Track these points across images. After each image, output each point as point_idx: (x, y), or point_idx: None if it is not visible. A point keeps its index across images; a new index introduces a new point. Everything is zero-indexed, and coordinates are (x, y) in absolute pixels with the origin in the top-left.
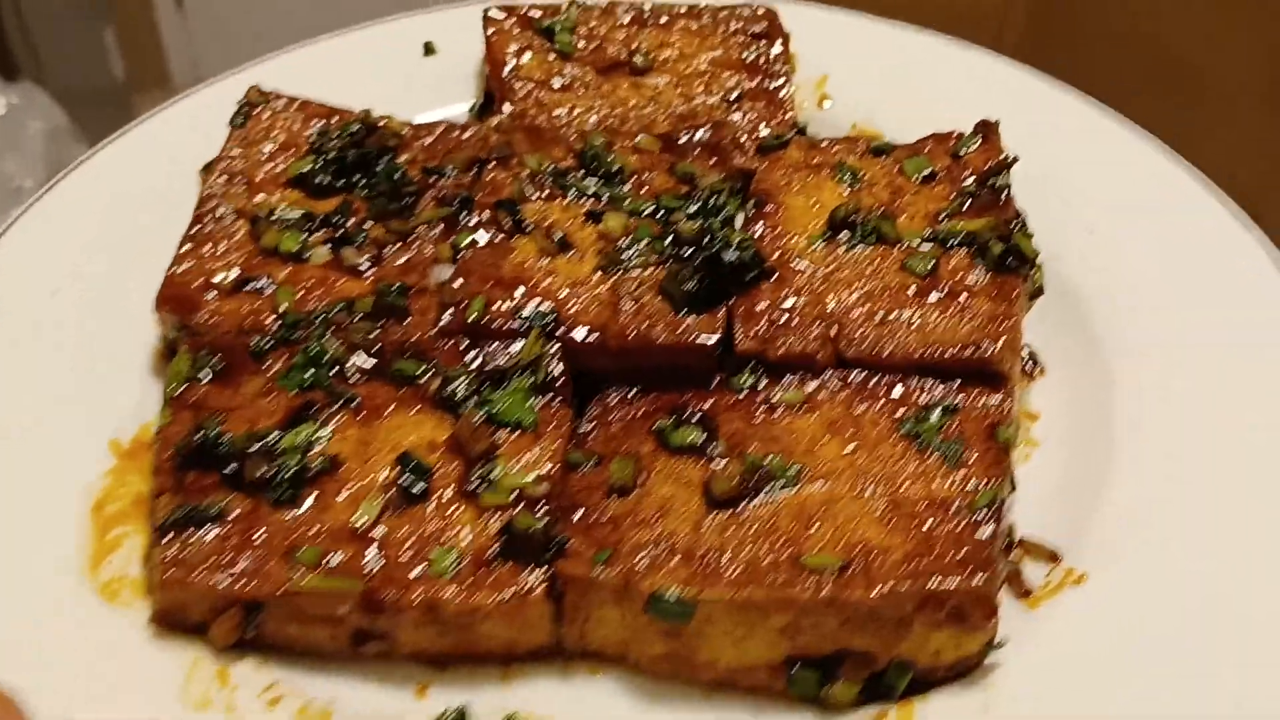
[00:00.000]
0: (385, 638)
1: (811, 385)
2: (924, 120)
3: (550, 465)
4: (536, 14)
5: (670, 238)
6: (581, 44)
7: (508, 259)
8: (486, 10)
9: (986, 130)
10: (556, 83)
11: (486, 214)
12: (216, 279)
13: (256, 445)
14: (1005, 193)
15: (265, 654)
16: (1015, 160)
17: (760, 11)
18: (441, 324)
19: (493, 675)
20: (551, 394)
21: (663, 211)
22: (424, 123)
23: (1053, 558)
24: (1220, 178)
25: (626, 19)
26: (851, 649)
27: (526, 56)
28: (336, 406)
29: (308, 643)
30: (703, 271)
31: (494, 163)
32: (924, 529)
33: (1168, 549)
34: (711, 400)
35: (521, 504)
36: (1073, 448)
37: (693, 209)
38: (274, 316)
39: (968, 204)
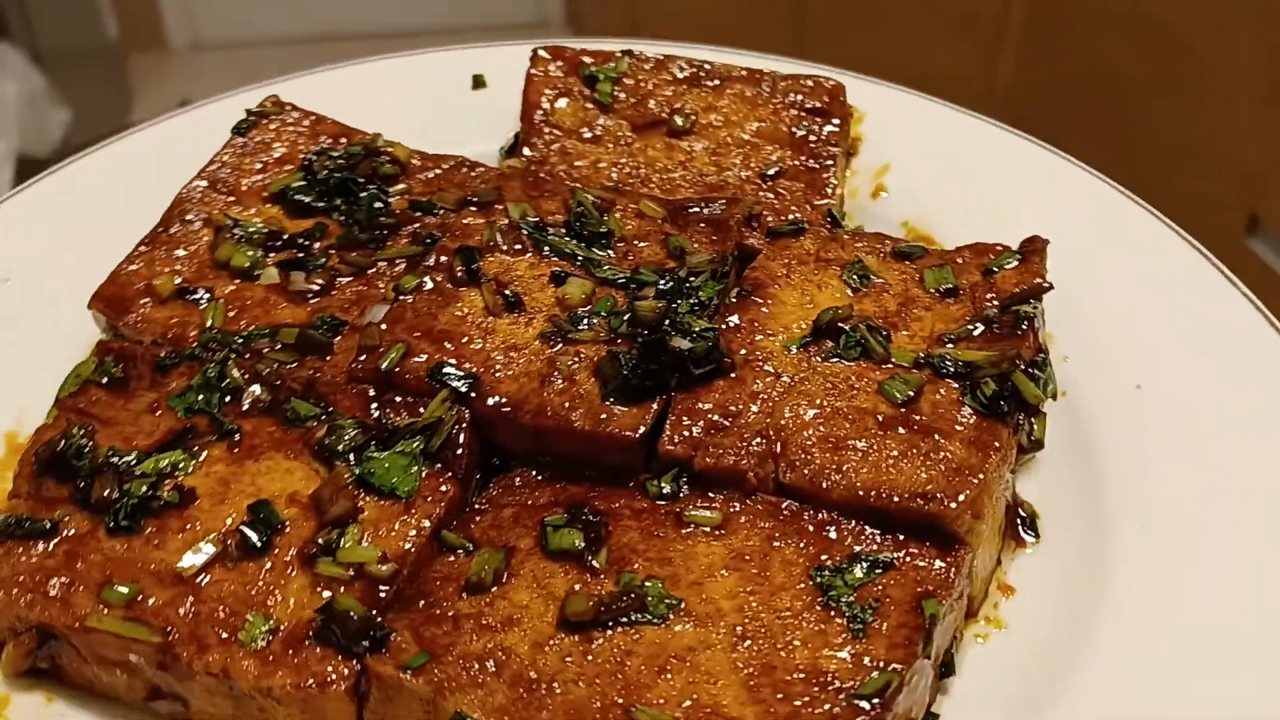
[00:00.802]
0: (178, 698)
1: (735, 506)
2: (981, 229)
3: (409, 543)
4: (587, 60)
5: (629, 315)
6: (623, 96)
7: (447, 310)
8: (536, 49)
9: (1032, 249)
10: (586, 133)
11: (443, 258)
12: (157, 283)
13: (116, 462)
14: (1030, 323)
15: (57, 691)
16: (1050, 288)
17: (829, 85)
18: (354, 368)
19: None
20: (442, 465)
21: (633, 284)
22: (438, 154)
23: None
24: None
25: (680, 75)
26: None
27: (562, 102)
28: (214, 437)
29: (102, 687)
30: (646, 357)
31: (474, 206)
32: (787, 704)
33: None
34: (619, 502)
35: (358, 582)
36: (1040, 642)
37: (665, 286)
38: (196, 335)
39: (980, 329)
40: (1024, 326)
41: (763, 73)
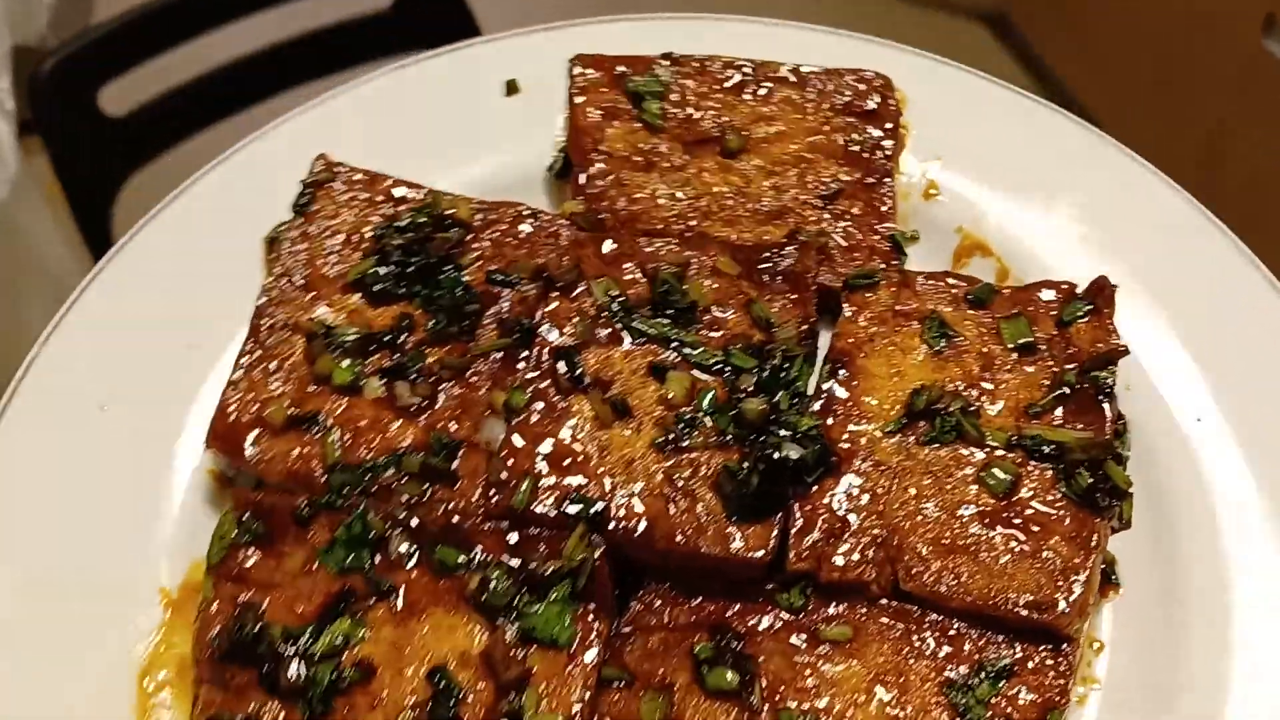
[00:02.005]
0: None
1: (861, 615)
2: (1040, 235)
3: (582, 695)
4: (624, 69)
5: (734, 414)
6: (671, 111)
7: (561, 426)
8: (571, 64)
9: (1101, 295)
10: (640, 159)
11: (545, 362)
12: (268, 413)
13: (293, 646)
14: (1109, 393)
15: None
16: (1125, 353)
17: (876, 83)
18: (485, 505)
19: None
20: (590, 601)
21: (730, 371)
22: (494, 202)
23: None
24: None
25: (726, 79)
26: None
27: (612, 128)
28: (374, 599)
29: None
30: (764, 473)
31: (558, 288)
32: None
33: None
34: (755, 618)
35: None
36: (1135, 695)
37: (764, 374)
38: (321, 470)
39: (1065, 394)
40: (1105, 395)
41: (808, 70)
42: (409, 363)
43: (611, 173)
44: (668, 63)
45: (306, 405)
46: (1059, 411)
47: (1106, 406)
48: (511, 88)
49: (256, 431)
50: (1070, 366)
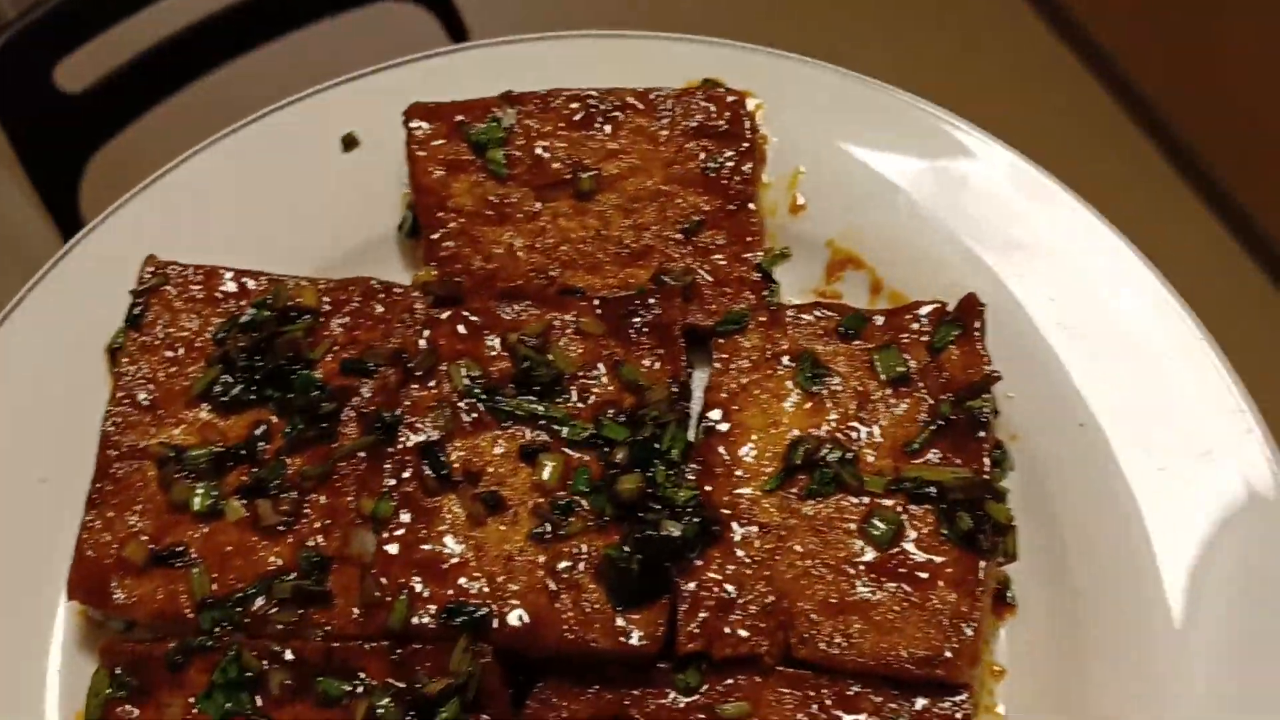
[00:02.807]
0: None
1: (758, 681)
2: (910, 238)
3: None
4: (463, 118)
5: (609, 492)
6: (517, 155)
7: (432, 531)
8: (406, 119)
9: (969, 315)
10: (490, 212)
11: (409, 466)
12: (127, 551)
13: None
14: (984, 422)
15: None
16: (997, 379)
17: (726, 100)
18: (362, 626)
19: None
20: (482, 713)
21: (603, 444)
22: (341, 281)
23: None
24: None
25: (571, 114)
26: None
27: (456, 182)
28: None
29: None
30: (646, 556)
31: (416, 375)
32: None
33: None
34: (654, 704)
35: None
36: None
37: (636, 449)
38: (191, 606)
39: (940, 426)
40: (980, 427)
41: (655, 94)
42: (268, 476)
43: (463, 231)
44: (507, 104)
45: (167, 538)
46: (936, 449)
47: (983, 436)
48: (349, 142)
49: (120, 575)
50: (944, 396)
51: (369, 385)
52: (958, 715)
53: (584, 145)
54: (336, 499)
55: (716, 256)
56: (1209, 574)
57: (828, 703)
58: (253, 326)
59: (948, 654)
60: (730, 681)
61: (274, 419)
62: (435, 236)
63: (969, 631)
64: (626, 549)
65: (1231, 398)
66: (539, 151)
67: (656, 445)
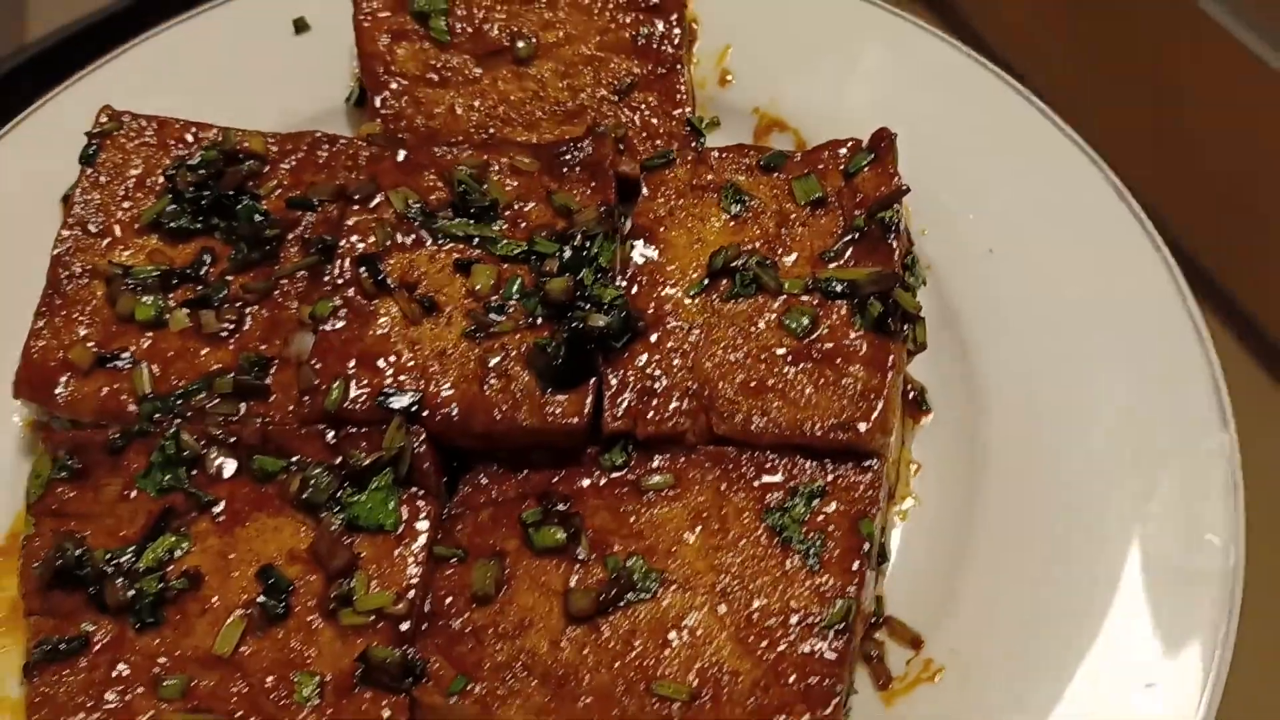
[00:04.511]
0: None
1: (680, 462)
2: (830, 102)
3: (413, 573)
4: None
5: (540, 294)
6: (459, 27)
7: (369, 330)
8: None
9: (881, 145)
10: (433, 76)
11: (348, 272)
12: (73, 354)
13: (116, 564)
14: (895, 228)
15: None
16: (907, 191)
17: None
18: (298, 411)
19: None
20: (414, 486)
21: (534, 256)
22: (289, 134)
23: (915, 643)
24: None
25: None
26: None
27: (401, 49)
28: (196, 512)
29: None
30: (573, 346)
31: (356, 202)
32: (774, 649)
33: (1016, 646)
34: (579, 482)
35: (381, 623)
36: (948, 508)
37: (566, 255)
38: (133, 403)
39: (854, 238)
40: (891, 232)
41: None
42: (212, 293)
43: (406, 92)
44: None
45: (112, 344)
46: (850, 255)
47: (893, 242)
48: (300, 25)
49: (65, 375)
50: (858, 213)
51: (312, 217)
52: (869, 479)
53: (522, 16)
54: (278, 311)
55: (647, 114)
56: (1099, 376)
57: (747, 473)
58: (201, 165)
59: (860, 423)
60: (655, 461)
61: (219, 246)
62: (380, 96)
63: (879, 403)
64: (554, 339)
65: (1130, 217)
66: (479, 22)
67: (585, 253)
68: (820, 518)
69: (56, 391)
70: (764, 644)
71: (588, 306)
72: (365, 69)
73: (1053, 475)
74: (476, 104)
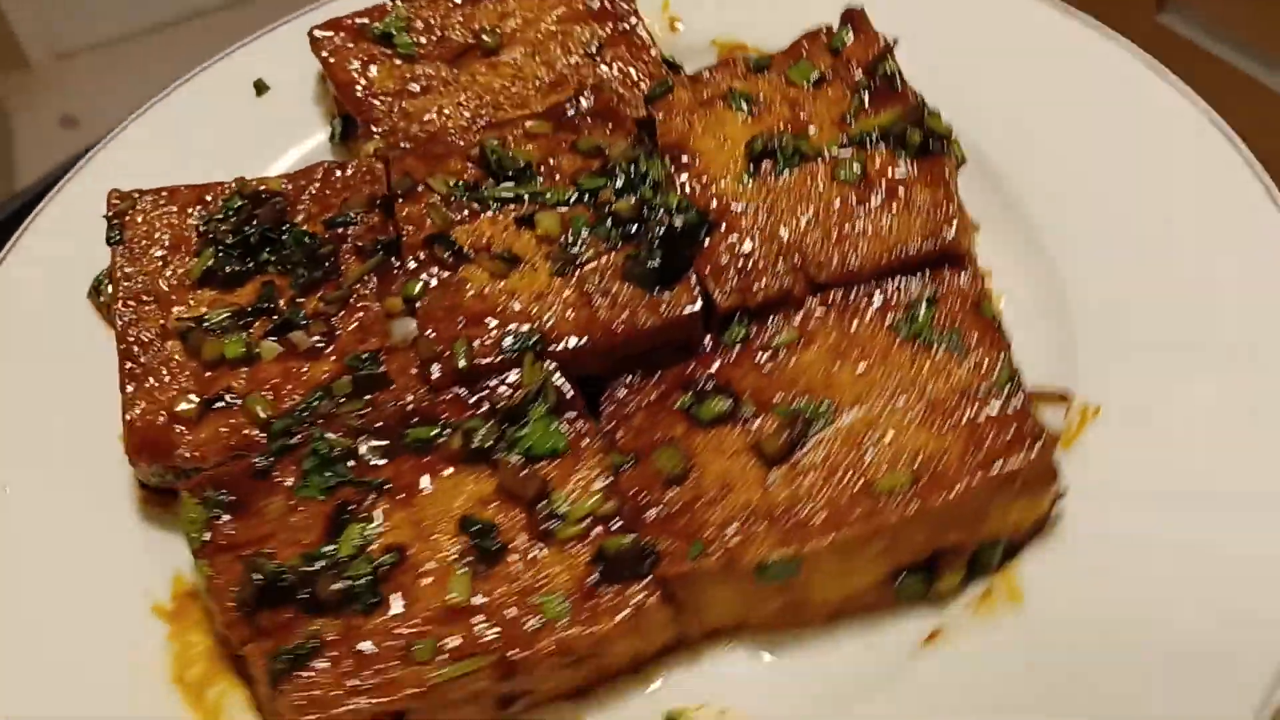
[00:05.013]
0: (528, 693)
1: (798, 318)
2: (779, 18)
3: (604, 479)
4: (364, 21)
5: (609, 220)
6: (422, 40)
7: (464, 293)
8: (311, 31)
9: (854, 19)
10: (414, 87)
11: (421, 254)
12: (179, 409)
13: (316, 565)
14: (898, 78)
15: None
16: (896, 42)
17: None
18: (433, 380)
19: (634, 684)
20: (569, 411)
21: (586, 195)
22: (300, 170)
23: (1062, 399)
24: None
25: None
26: (943, 547)
27: (373, 70)
28: (372, 497)
29: None
30: (661, 246)
31: (400, 198)
32: (965, 421)
33: (1155, 378)
34: (715, 363)
35: (596, 528)
36: (1029, 292)
37: (618, 184)
38: (258, 429)
39: (865, 96)
40: (896, 80)
41: None
42: (292, 315)
43: (394, 108)
44: (398, 3)
45: (212, 389)
46: (868, 109)
47: (901, 87)
48: (260, 87)
49: (179, 429)
50: (858, 76)
51: (355, 231)
52: (971, 272)
53: (478, 16)
54: (364, 314)
55: (623, 65)
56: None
57: (860, 305)
58: (230, 213)
59: (944, 229)
60: (771, 322)
61: (276, 279)
62: (371, 116)
63: (952, 208)
64: (642, 249)
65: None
66: (440, 29)
67: (633, 175)
68: (944, 316)
69: (178, 450)
70: (953, 421)
71: (660, 212)
72: (346, 99)
73: None
74: (464, 100)
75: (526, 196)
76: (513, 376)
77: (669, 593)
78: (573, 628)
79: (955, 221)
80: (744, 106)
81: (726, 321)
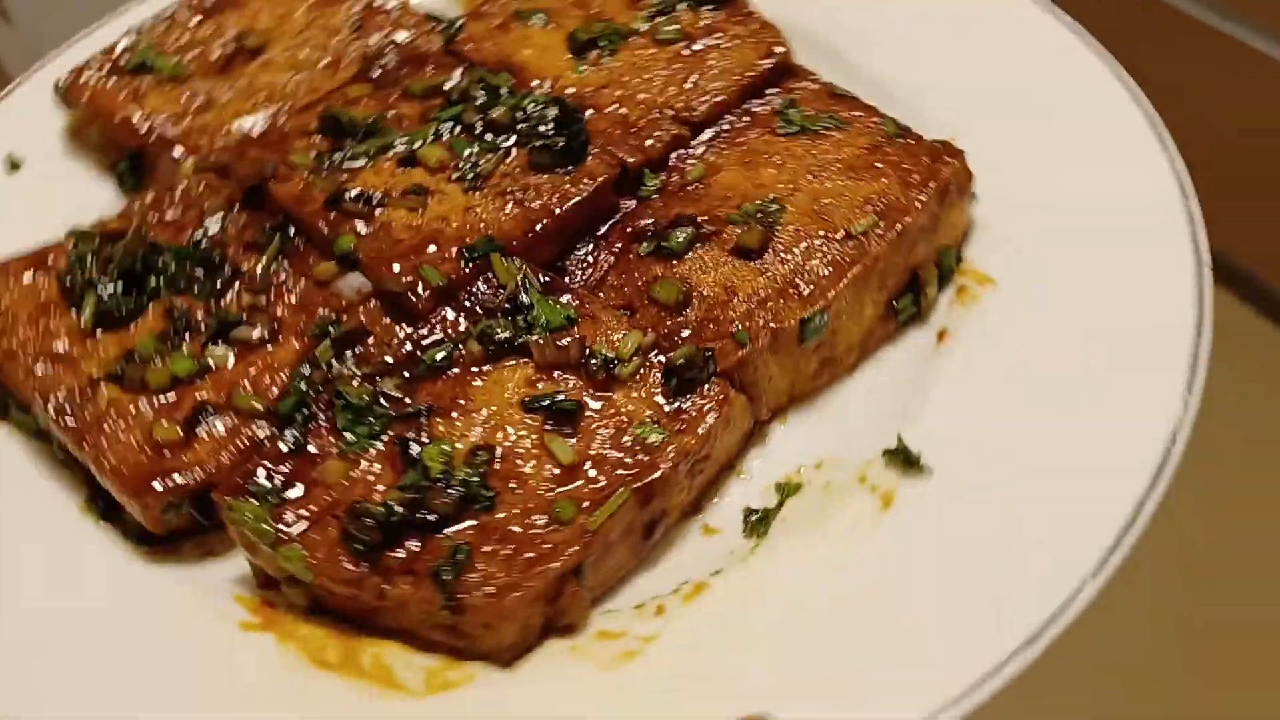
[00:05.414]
0: (664, 515)
1: (698, 154)
2: None
3: (620, 317)
4: (109, 59)
5: (489, 132)
6: (185, 60)
7: (397, 231)
8: (57, 83)
9: None
10: (198, 102)
11: (331, 215)
12: (159, 436)
13: (419, 492)
14: None
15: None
16: None
17: None
18: (420, 306)
19: (733, 482)
20: (556, 291)
21: (450, 124)
22: (124, 209)
23: None
24: None
25: (191, 19)
26: (916, 263)
27: (148, 98)
28: (425, 423)
29: (618, 564)
30: (555, 132)
31: (269, 181)
32: (887, 163)
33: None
34: (651, 212)
35: (647, 360)
36: None
37: (479, 102)
38: (259, 420)
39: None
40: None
41: None
42: (220, 317)
43: (188, 129)
44: (135, 33)
45: (182, 410)
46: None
47: None
48: (13, 164)
49: (168, 455)
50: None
51: (228, 229)
52: (810, 81)
53: (223, 27)
54: (299, 293)
55: (391, 29)
56: None
57: (741, 128)
58: (88, 259)
59: (776, 46)
60: (674, 167)
61: (177, 300)
62: (167, 139)
63: (775, 33)
64: (537, 141)
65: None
66: (194, 48)
67: (484, 91)
68: (811, 109)
69: (173, 473)
70: (879, 167)
71: (533, 106)
72: (128, 134)
73: None
74: (257, 101)
75: (396, 144)
76: (483, 287)
77: (739, 384)
78: (687, 442)
79: (780, 36)
80: (537, 20)
81: (638, 181)
